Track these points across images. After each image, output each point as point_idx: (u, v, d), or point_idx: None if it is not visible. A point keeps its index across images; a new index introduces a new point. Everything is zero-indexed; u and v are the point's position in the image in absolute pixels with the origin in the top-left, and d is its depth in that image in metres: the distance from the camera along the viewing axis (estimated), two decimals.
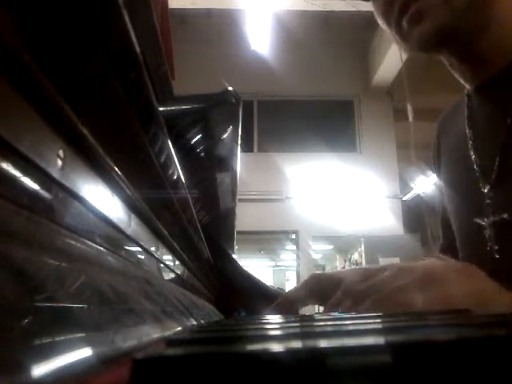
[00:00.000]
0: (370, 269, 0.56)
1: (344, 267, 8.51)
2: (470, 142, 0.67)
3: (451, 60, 0.66)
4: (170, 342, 0.23)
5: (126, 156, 0.30)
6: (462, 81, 0.69)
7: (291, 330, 0.31)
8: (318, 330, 0.30)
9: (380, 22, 0.65)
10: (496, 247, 0.62)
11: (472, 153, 0.66)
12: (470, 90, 0.69)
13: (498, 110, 0.63)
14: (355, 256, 7.45)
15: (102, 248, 0.29)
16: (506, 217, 0.60)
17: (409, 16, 0.59)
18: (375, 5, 0.65)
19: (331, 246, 8.95)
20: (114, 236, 0.33)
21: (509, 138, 0.60)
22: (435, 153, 0.81)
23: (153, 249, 0.46)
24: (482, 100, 0.66)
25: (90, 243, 0.27)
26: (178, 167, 0.42)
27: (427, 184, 6.12)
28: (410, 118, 4.96)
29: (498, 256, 0.61)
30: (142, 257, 0.42)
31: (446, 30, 0.58)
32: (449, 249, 0.78)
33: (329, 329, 0.29)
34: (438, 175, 0.81)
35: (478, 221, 0.64)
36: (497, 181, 0.62)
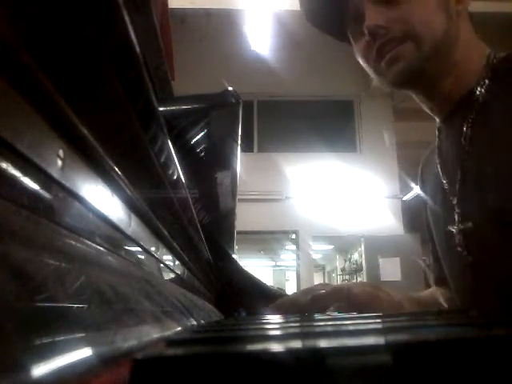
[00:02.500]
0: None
1: (344, 267, 8.51)
2: (439, 166, 0.81)
3: (420, 98, 0.79)
4: (170, 342, 0.23)
5: (126, 156, 0.30)
6: (432, 114, 0.81)
7: (291, 330, 0.31)
8: (317, 330, 0.30)
9: (360, 61, 0.77)
10: (465, 252, 0.72)
11: (441, 174, 0.79)
12: (439, 124, 0.82)
13: (456, 135, 0.74)
14: (355, 256, 7.45)
15: (102, 248, 0.29)
16: (470, 225, 0.70)
17: (386, 60, 0.71)
18: (356, 48, 0.78)
19: (331, 246, 8.95)
20: (114, 236, 0.33)
21: (466, 155, 0.71)
22: (420, 185, 0.95)
23: (153, 249, 0.46)
24: (446, 129, 0.80)
25: (90, 243, 0.27)
26: (178, 167, 0.42)
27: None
28: None
29: (471, 259, 0.71)
30: (142, 257, 0.42)
31: (416, 71, 0.71)
32: (441, 280, 0.90)
33: (329, 329, 0.29)
34: (425, 210, 0.93)
35: (450, 228, 0.74)
36: (460, 192, 0.73)
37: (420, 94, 0.77)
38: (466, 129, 0.71)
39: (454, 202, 0.74)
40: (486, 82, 0.70)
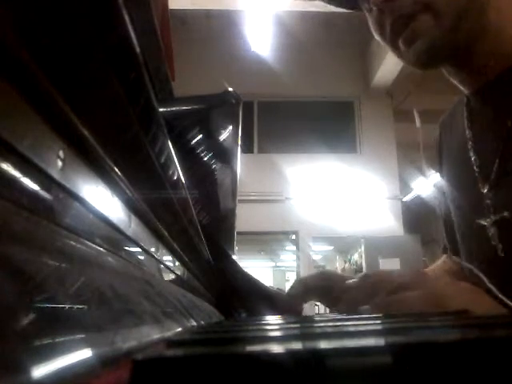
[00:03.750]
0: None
1: (344, 268, 8.51)
2: (470, 143, 0.69)
3: (449, 69, 0.68)
4: (170, 342, 0.23)
5: (126, 157, 0.30)
6: (460, 86, 0.70)
7: (291, 332, 0.31)
8: (318, 331, 0.30)
9: (375, 36, 0.68)
10: (500, 246, 0.63)
11: (472, 154, 0.68)
12: (469, 94, 0.70)
13: (497, 112, 0.64)
14: (355, 257, 7.45)
15: (101, 249, 0.29)
16: (506, 215, 0.62)
17: (403, 38, 0.62)
18: (370, 21, 0.67)
19: (331, 247, 8.95)
20: (114, 237, 0.33)
21: (509, 140, 0.61)
22: (437, 152, 0.83)
23: (153, 249, 0.46)
24: (482, 103, 0.68)
25: (90, 244, 0.27)
26: (178, 168, 0.42)
27: (427, 185, 6.12)
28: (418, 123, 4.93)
29: (503, 254, 0.63)
30: (142, 257, 0.42)
31: (439, 48, 0.61)
32: (454, 251, 0.80)
33: (329, 330, 0.29)
34: (441, 174, 0.83)
35: (480, 221, 0.66)
36: (496, 181, 0.63)
37: (449, 65, 0.67)
38: None
39: (484, 190, 0.65)
40: None
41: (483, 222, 0.65)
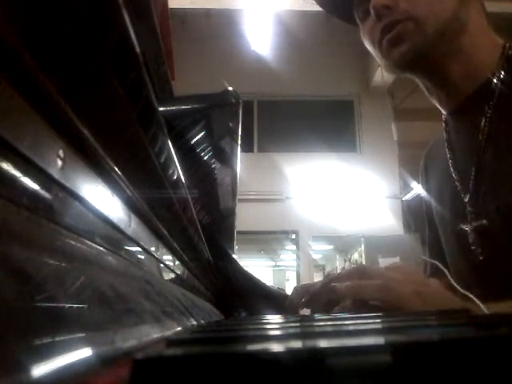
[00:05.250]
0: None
1: (344, 267, 8.51)
2: (450, 161, 0.77)
3: (427, 85, 0.75)
4: (170, 342, 0.23)
5: (126, 156, 0.30)
6: (439, 106, 0.78)
7: (291, 331, 0.31)
8: (317, 330, 0.30)
9: (366, 43, 0.75)
10: (479, 250, 0.70)
11: (452, 170, 0.76)
12: (446, 116, 0.78)
13: (470, 129, 0.71)
14: (355, 256, 7.45)
15: (102, 248, 0.29)
16: (484, 222, 0.68)
17: (389, 37, 0.68)
18: (362, 29, 0.75)
19: (331, 246, 8.94)
20: (114, 236, 0.33)
21: (482, 151, 0.68)
22: (423, 180, 0.91)
23: (153, 249, 0.46)
24: (457, 122, 0.76)
25: (90, 243, 0.27)
26: (178, 167, 0.42)
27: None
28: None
29: (482, 258, 0.69)
30: (142, 257, 0.42)
31: (420, 53, 0.68)
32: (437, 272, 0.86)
33: (329, 329, 0.29)
34: (427, 201, 0.90)
35: (463, 226, 0.72)
36: (474, 190, 0.70)
37: (427, 80, 0.74)
38: (484, 123, 0.68)
39: (466, 199, 0.71)
40: (502, 73, 0.67)
41: (465, 228, 0.71)
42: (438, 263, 0.71)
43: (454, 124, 0.77)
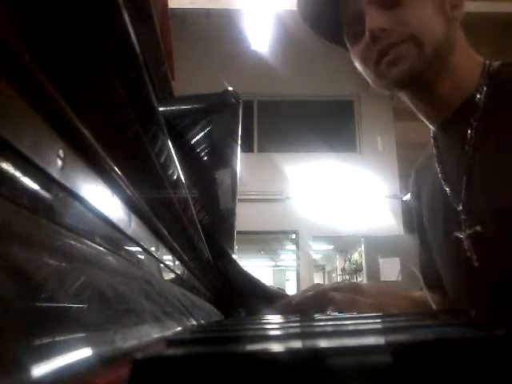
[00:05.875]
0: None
1: (344, 267, 8.51)
2: (440, 174, 0.80)
3: (415, 102, 0.79)
4: (170, 342, 0.23)
5: (126, 156, 0.30)
6: (426, 122, 0.81)
7: (291, 331, 0.31)
8: (317, 330, 0.30)
9: (357, 63, 0.78)
10: (475, 257, 0.72)
11: (444, 182, 0.79)
12: (435, 130, 0.81)
13: (457, 141, 0.75)
14: (355, 256, 7.45)
15: (102, 248, 0.29)
16: (478, 229, 0.70)
17: (388, 59, 0.71)
18: (353, 51, 0.78)
19: (331, 246, 8.95)
20: (114, 236, 0.33)
21: (471, 161, 0.72)
22: (414, 196, 0.94)
23: (153, 249, 0.46)
24: (445, 136, 0.80)
25: (90, 243, 0.27)
26: (178, 167, 0.42)
27: None
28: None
29: (476, 264, 0.71)
30: (142, 257, 0.42)
31: (417, 71, 0.71)
32: (431, 285, 0.90)
33: (328, 329, 0.29)
34: (418, 217, 0.93)
35: (457, 234, 0.74)
36: (466, 198, 0.73)
37: (416, 97, 0.78)
38: (470, 135, 0.72)
39: (459, 208, 0.74)
40: (485, 88, 0.72)
41: (459, 235, 0.74)
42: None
43: (442, 138, 0.81)
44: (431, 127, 0.82)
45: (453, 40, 0.73)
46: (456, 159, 0.76)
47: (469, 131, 0.72)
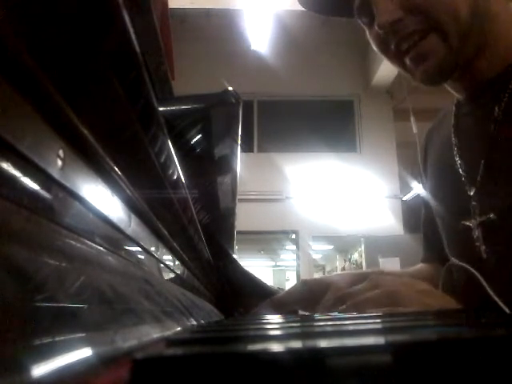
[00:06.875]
0: (354, 274, 0.68)
1: (344, 267, 8.51)
2: (455, 149, 0.71)
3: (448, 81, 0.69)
4: (170, 342, 0.23)
5: (126, 156, 0.30)
6: (452, 91, 0.72)
7: (291, 330, 0.31)
8: (317, 330, 0.30)
9: (378, 51, 0.69)
10: (483, 247, 0.65)
11: (457, 158, 0.70)
12: (461, 99, 0.72)
13: (483, 117, 0.66)
14: (355, 256, 7.45)
15: (101, 248, 0.29)
16: (492, 216, 0.63)
17: (411, 57, 0.63)
18: (369, 35, 0.68)
19: (331, 246, 8.94)
20: (114, 236, 0.33)
21: (493, 143, 0.63)
22: (422, 163, 0.86)
23: (153, 249, 0.46)
24: (471, 108, 0.71)
25: (90, 243, 0.27)
26: (178, 167, 0.42)
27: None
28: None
29: (485, 256, 0.64)
30: (142, 257, 0.42)
31: (447, 68, 0.63)
32: (431, 258, 0.84)
33: (328, 329, 0.29)
34: (424, 184, 0.85)
35: (466, 223, 0.67)
36: (482, 183, 0.65)
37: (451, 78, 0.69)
38: (498, 113, 0.63)
39: (471, 192, 0.66)
40: None
41: (468, 224, 0.66)
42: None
43: (465, 109, 0.71)
44: (456, 95, 0.73)
45: (484, 11, 0.62)
46: (476, 137, 0.67)
47: (496, 108, 0.63)
